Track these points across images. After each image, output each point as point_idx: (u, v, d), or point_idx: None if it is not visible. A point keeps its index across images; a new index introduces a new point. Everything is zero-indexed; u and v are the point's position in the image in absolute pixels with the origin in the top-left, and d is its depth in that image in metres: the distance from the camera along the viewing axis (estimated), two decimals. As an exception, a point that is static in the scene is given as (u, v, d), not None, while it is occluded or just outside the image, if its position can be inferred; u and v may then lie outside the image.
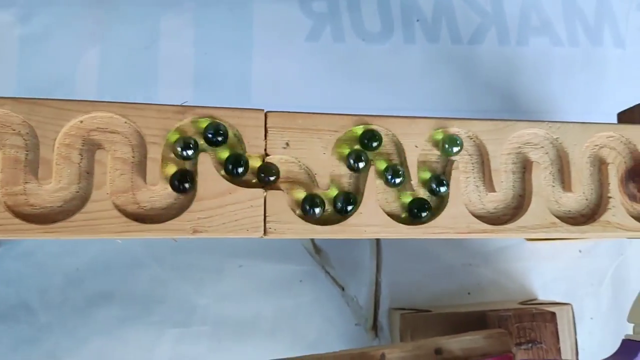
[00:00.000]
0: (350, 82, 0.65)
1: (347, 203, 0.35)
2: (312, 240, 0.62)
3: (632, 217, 0.39)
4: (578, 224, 0.39)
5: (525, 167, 0.39)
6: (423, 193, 0.37)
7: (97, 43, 0.64)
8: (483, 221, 0.37)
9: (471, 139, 0.38)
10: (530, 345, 0.50)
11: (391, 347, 0.47)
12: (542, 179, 0.39)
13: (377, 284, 0.62)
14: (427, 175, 0.37)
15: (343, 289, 0.62)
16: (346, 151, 0.36)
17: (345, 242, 0.63)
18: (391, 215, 0.36)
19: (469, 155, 0.38)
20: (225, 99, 0.63)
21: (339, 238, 0.35)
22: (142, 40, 0.64)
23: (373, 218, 0.35)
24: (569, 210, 0.39)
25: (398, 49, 0.65)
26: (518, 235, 0.38)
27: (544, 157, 0.39)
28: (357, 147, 0.36)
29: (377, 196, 0.36)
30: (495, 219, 0.38)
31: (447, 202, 0.37)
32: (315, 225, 0.35)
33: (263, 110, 0.35)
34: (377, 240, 0.63)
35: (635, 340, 0.43)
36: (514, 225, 0.37)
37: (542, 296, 0.62)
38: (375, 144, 0.36)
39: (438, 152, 0.38)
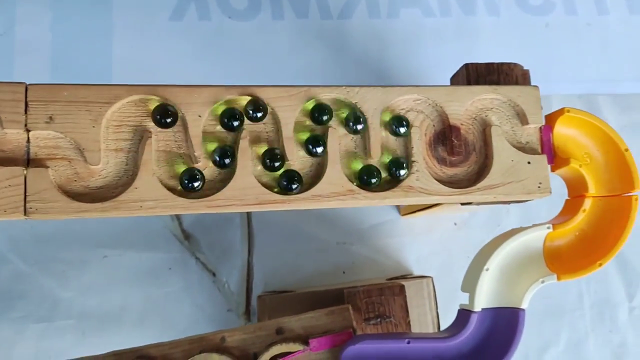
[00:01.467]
0: (218, 61, 0.63)
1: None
2: (181, 225, 0.60)
3: (439, 181, 0.38)
4: (381, 190, 0.37)
5: (324, 134, 0.37)
6: (211, 165, 0.35)
7: (-50, 32, 0.61)
8: (276, 192, 0.36)
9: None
10: (379, 320, 0.49)
11: (232, 330, 0.46)
12: (343, 145, 0.38)
13: (249, 268, 0.61)
14: (213, 146, 0.35)
15: (214, 275, 0.60)
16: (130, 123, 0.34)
17: (215, 226, 0.61)
18: (176, 190, 0.34)
19: (263, 124, 0.37)
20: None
21: (112, 216, 0.33)
22: (-4, 27, 0.61)
23: (150, 192, 0.34)
24: (372, 177, 0.38)
25: (266, 25, 0.64)
26: (313, 205, 0.36)
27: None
28: (140, 118, 0.34)
29: (156, 170, 0.34)
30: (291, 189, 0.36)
31: (234, 173, 0.35)
32: (82, 204, 0.33)
33: (24, 83, 0.33)
34: (249, 222, 0.61)
35: (467, 310, 0.42)
36: (307, 195, 0.36)
37: (418, 271, 0.61)
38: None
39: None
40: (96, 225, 0.60)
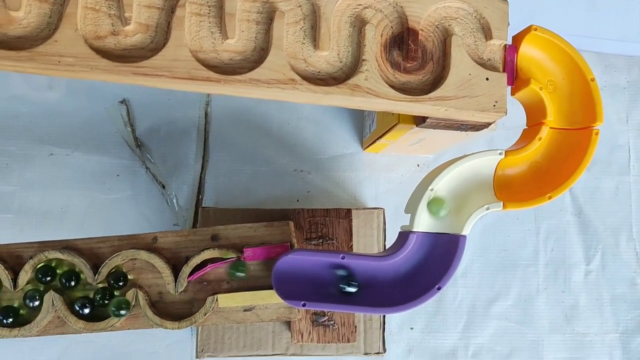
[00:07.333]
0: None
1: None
2: (134, 132, 0.58)
3: (389, 85, 0.36)
4: (325, 85, 0.35)
5: (272, 20, 0.35)
6: (142, 32, 0.33)
7: None
8: (212, 70, 0.33)
9: (209, -21, 0.34)
10: (320, 240, 0.47)
11: (165, 232, 0.44)
12: (291, 33, 0.35)
13: (201, 184, 0.58)
14: (149, 13, 0.33)
15: (164, 187, 0.58)
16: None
17: (170, 138, 0.59)
18: (100, 51, 0.32)
19: (204, -4, 0.34)
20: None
21: (28, 72, 0.31)
22: None
23: (70, 48, 0.31)
24: (319, 72, 0.35)
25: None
26: (250, 91, 0.34)
27: (296, 10, 0.35)
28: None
29: (81, 27, 0.32)
30: (229, 71, 0.34)
31: (166, 43, 0.33)
32: (-6, 49, 0.30)
33: None
34: (205, 137, 0.59)
35: (407, 230, 0.40)
36: (245, 77, 0.34)
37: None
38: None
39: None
40: (45, 120, 0.57)
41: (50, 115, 0.57)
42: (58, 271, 0.42)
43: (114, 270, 0.42)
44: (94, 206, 0.57)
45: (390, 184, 0.60)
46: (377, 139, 0.52)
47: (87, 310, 0.40)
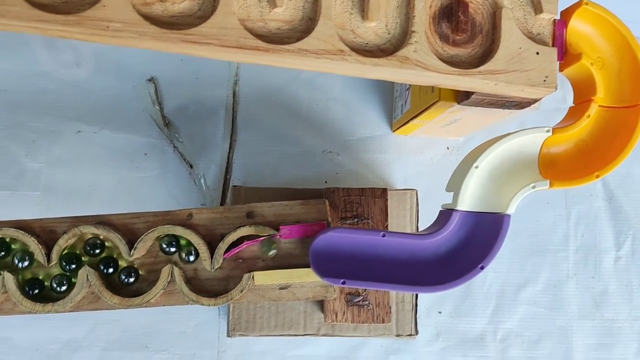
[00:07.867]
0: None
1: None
2: (162, 111, 0.57)
3: (438, 58, 0.35)
4: (374, 57, 0.34)
5: (319, -14, 0.34)
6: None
7: None
8: (260, 40, 0.33)
9: (257, -55, 0.33)
10: (356, 220, 0.47)
11: (200, 208, 0.44)
12: (339, 3, 0.34)
13: (229, 164, 0.58)
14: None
15: (191, 167, 0.57)
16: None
17: (198, 117, 0.58)
18: (149, 17, 0.31)
19: (255, -37, 0.33)
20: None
21: (74, 38, 0.30)
22: None
23: (119, 13, 0.30)
24: (367, 43, 0.35)
25: None
26: (298, 61, 0.33)
27: (344, -21, 0.34)
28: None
29: (129, -7, 0.31)
30: (277, 40, 0.33)
31: (215, 11, 0.32)
32: (43, 13, 0.30)
33: None
34: (234, 117, 0.58)
35: (449, 209, 0.40)
36: (294, 47, 0.33)
37: (403, 190, 0.59)
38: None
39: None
40: (72, 98, 0.57)
41: (77, 93, 0.57)
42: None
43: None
44: (121, 184, 0.56)
45: (420, 167, 0.59)
46: (411, 119, 0.51)
47: (132, 280, 0.40)
